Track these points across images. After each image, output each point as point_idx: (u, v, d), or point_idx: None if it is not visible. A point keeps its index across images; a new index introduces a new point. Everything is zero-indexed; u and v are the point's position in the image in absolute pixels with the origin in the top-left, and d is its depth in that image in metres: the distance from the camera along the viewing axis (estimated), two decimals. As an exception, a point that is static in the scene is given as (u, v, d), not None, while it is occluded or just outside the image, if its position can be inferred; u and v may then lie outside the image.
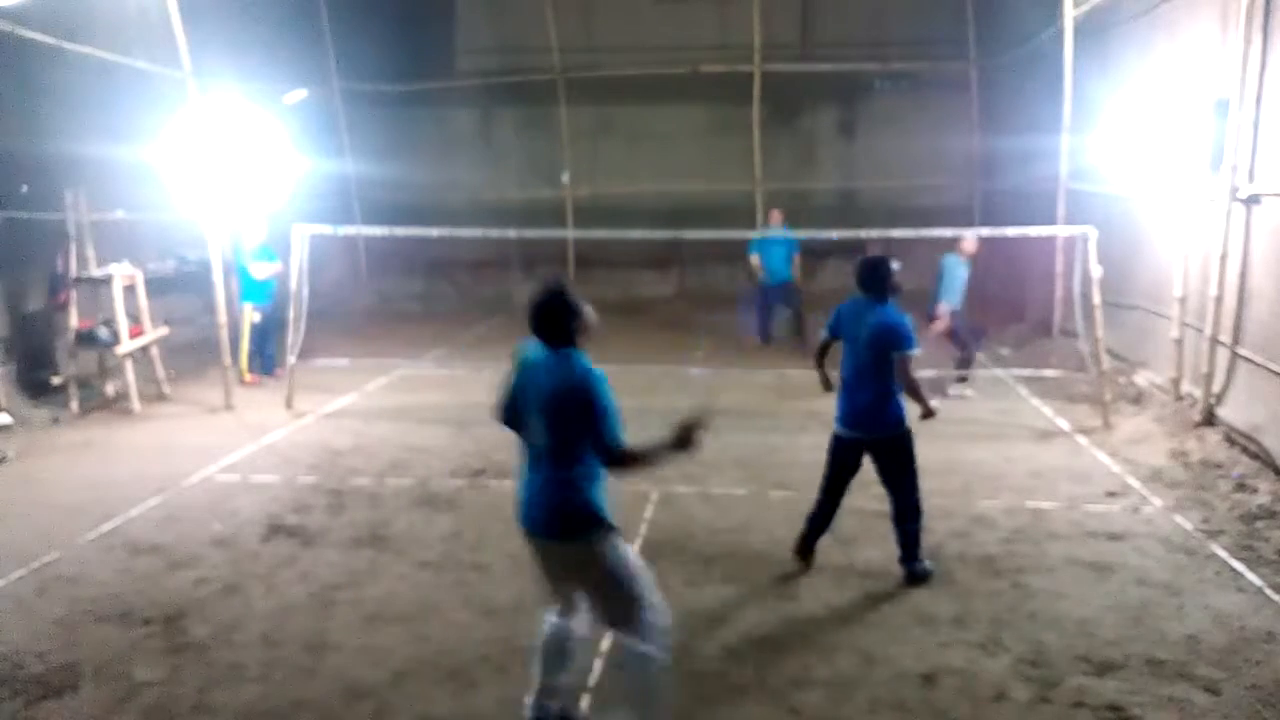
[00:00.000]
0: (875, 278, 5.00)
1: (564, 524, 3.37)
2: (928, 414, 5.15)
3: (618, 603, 3.42)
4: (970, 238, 9.03)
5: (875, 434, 5.04)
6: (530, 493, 3.45)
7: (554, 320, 3.44)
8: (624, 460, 3.33)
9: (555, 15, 15.01)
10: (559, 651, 3.63)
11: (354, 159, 15.52)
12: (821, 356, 5.40)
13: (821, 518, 5.21)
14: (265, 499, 6.32)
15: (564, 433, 3.34)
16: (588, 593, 3.54)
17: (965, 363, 9.16)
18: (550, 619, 3.65)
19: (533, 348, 3.49)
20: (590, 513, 3.37)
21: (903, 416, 5.01)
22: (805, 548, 5.22)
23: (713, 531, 5.75)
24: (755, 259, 11.52)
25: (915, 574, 5.04)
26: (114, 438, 7.90)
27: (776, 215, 11.79)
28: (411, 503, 6.30)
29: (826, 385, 5.43)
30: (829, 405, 5.23)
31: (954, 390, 9.08)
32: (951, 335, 9.04)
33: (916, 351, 4.96)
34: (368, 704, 3.93)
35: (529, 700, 3.66)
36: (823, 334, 5.36)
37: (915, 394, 5.03)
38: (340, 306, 14.16)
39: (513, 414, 3.51)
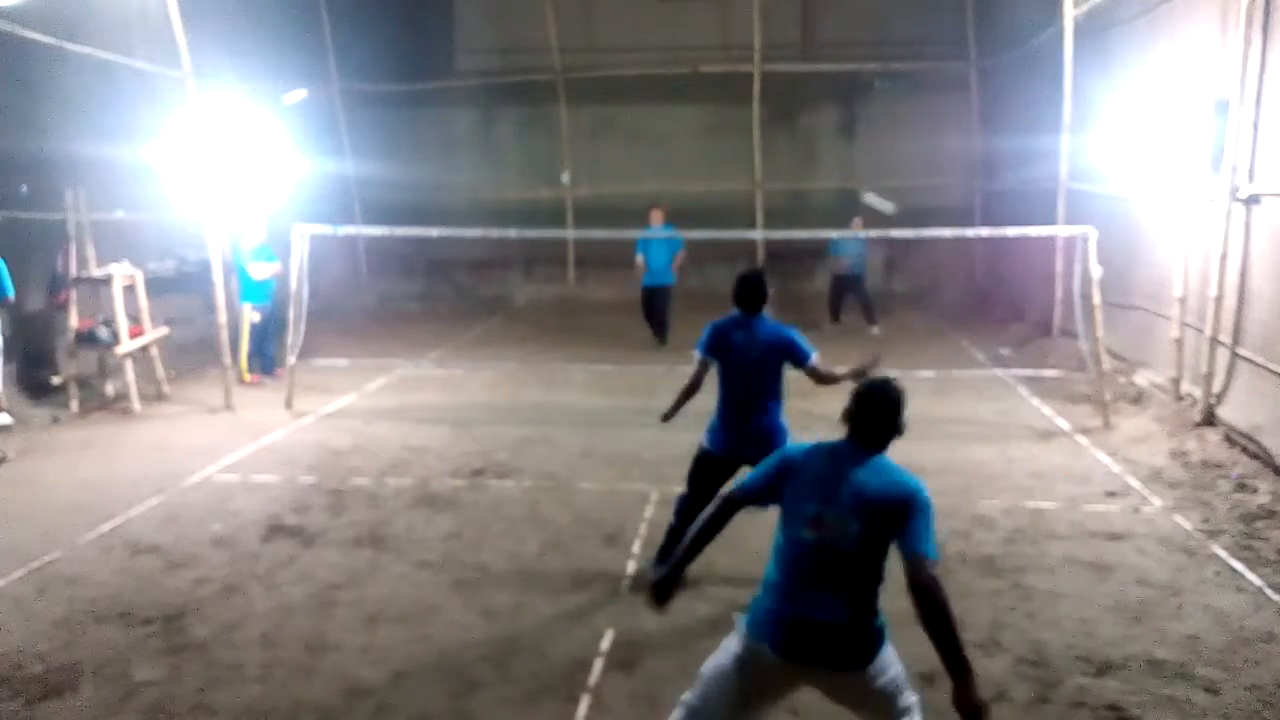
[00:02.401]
0: (759, 292, 4.84)
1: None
2: (861, 372, 4.74)
3: None
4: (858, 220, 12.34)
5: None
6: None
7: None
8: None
9: (555, 15, 15.00)
10: None
11: (354, 159, 15.52)
12: (697, 383, 4.97)
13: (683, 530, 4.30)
14: (265, 499, 6.32)
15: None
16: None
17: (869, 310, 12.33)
18: None
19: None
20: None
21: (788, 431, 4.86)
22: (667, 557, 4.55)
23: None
24: (640, 259, 11.50)
25: None
26: (114, 438, 7.90)
27: (657, 214, 11.57)
28: (411, 503, 6.30)
29: (670, 415, 5.08)
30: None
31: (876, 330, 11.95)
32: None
33: (816, 356, 4.83)
34: (368, 704, 3.93)
35: None
36: (697, 355, 4.95)
37: (840, 378, 4.83)
38: (340, 306, 14.16)
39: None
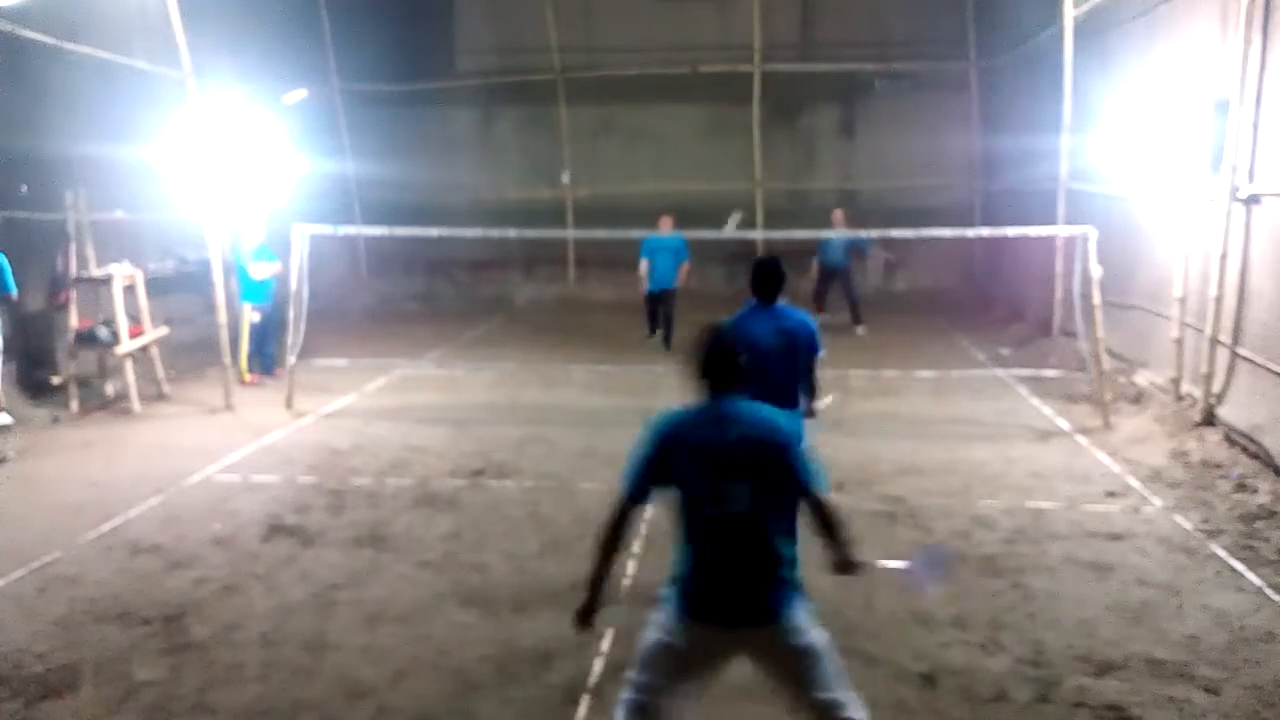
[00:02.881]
0: (778, 278, 4.68)
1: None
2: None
3: None
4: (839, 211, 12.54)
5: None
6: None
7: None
8: None
9: (555, 15, 15.01)
10: None
11: (354, 159, 15.53)
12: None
13: None
14: (265, 499, 6.32)
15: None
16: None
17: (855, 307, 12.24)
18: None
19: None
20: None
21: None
22: None
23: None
24: (644, 265, 11.38)
25: None
26: (114, 438, 7.90)
27: (667, 221, 11.32)
28: (411, 503, 6.30)
29: None
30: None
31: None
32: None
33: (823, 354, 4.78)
34: (368, 704, 3.93)
35: None
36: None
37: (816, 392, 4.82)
38: (340, 306, 14.16)
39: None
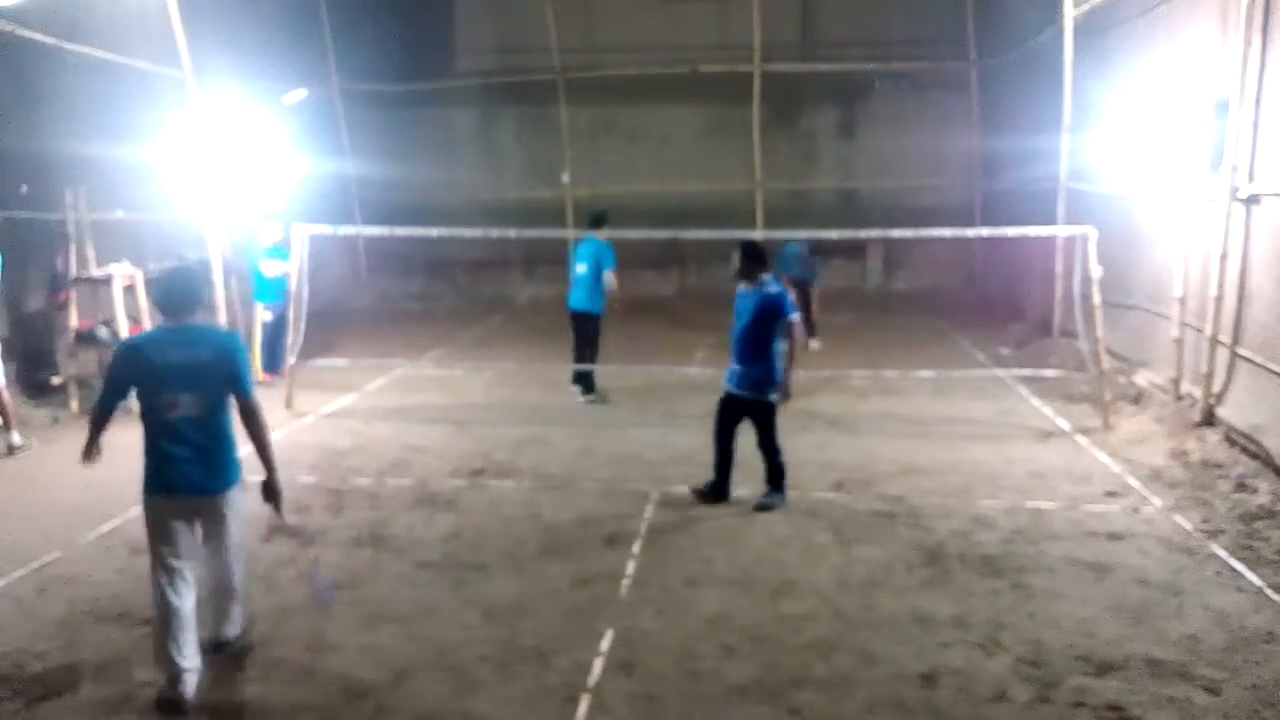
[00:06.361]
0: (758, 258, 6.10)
1: None
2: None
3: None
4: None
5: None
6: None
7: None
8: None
9: (555, 15, 15.01)
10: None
11: (354, 159, 15.53)
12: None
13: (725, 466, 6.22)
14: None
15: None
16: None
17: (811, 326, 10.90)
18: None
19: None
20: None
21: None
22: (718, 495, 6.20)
23: (712, 531, 5.74)
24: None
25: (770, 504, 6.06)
26: (114, 437, 7.84)
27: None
28: (411, 503, 6.30)
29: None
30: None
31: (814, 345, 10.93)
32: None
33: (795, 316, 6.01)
34: (368, 704, 3.92)
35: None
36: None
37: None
38: (340, 306, 14.17)
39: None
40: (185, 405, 3.93)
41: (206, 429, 3.99)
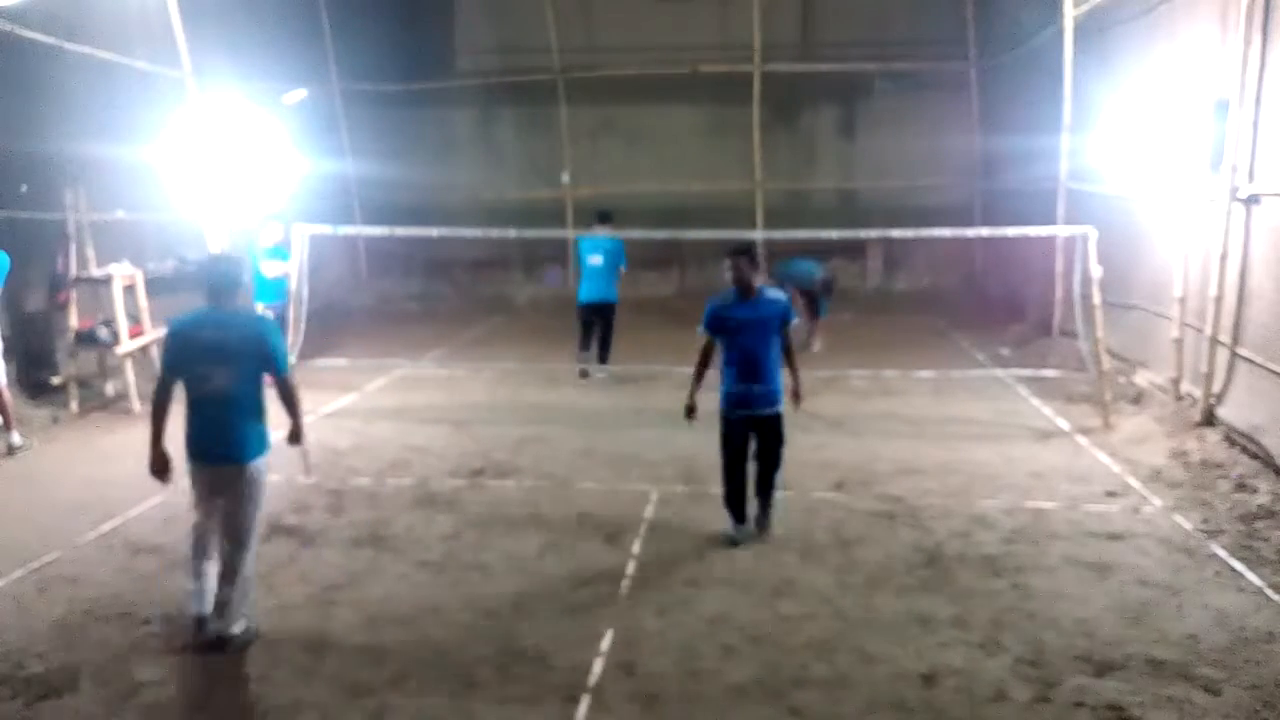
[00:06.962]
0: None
1: None
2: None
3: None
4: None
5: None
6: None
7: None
8: None
9: (555, 15, 15.01)
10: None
11: (354, 159, 15.52)
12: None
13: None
14: (265, 499, 6.30)
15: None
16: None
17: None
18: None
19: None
20: None
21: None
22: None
23: (712, 531, 5.74)
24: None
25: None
26: (114, 438, 7.90)
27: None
28: (411, 503, 6.30)
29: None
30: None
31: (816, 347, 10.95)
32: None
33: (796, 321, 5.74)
34: (368, 704, 3.93)
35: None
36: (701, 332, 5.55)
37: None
38: (340, 306, 14.16)
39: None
40: (215, 380, 4.29)
41: (231, 404, 4.32)
